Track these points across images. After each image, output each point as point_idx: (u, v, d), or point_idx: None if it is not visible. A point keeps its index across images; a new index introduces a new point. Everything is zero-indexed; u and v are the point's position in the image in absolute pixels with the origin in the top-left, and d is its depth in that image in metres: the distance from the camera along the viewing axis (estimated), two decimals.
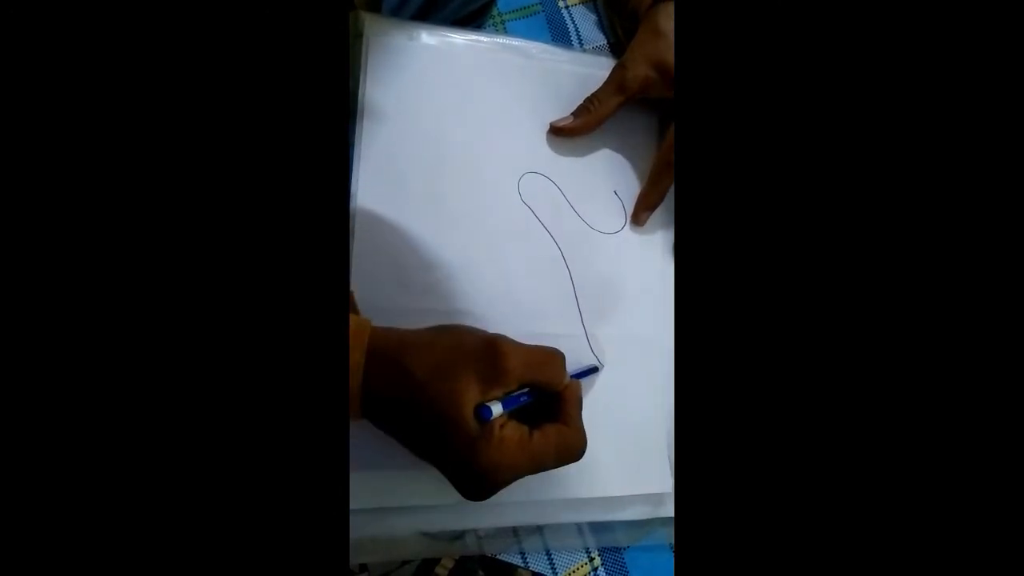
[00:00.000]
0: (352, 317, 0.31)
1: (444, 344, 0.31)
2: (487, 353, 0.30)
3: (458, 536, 0.38)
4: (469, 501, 0.36)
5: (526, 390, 0.32)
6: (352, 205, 0.38)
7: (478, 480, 0.30)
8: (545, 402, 0.33)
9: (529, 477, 0.37)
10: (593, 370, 0.40)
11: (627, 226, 0.43)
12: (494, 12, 0.49)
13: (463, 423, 0.29)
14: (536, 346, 0.32)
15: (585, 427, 0.38)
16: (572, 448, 0.32)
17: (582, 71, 0.44)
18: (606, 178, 0.44)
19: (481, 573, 0.41)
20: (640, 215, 0.43)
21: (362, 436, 0.34)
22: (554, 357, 0.33)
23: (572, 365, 0.39)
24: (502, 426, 0.30)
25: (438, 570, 0.43)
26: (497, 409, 0.29)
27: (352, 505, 0.33)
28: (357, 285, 0.36)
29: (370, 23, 0.41)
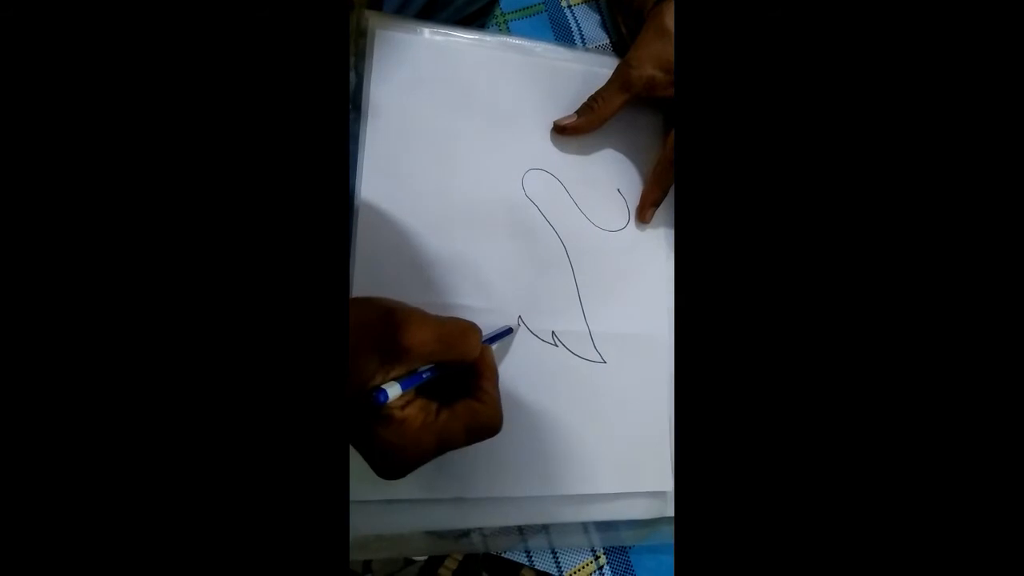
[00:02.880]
0: None
1: (349, 319, 0.29)
2: (388, 329, 0.28)
3: (463, 534, 0.38)
4: (472, 498, 0.36)
5: (431, 366, 0.30)
6: (355, 200, 0.38)
7: (382, 462, 0.28)
8: (459, 373, 0.31)
9: (530, 474, 0.37)
10: (507, 332, 0.38)
11: (630, 224, 0.43)
12: (497, 12, 0.49)
13: (361, 401, 0.27)
14: (448, 319, 0.31)
15: (587, 424, 0.39)
16: (485, 425, 0.30)
17: (586, 69, 0.45)
18: (609, 176, 0.44)
19: (485, 575, 0.41)
20: (645, 212, 0.43)
21: None
22: (466, 332, 0.31)
23: (574, 360, 0.39)
24: (404, 406, 0.28)
25: (441, 571, 0.43)
26: (394, 391, 0.27)
27: (354, 496, 0.33)
28: (358, 279, 0.36)
29: (375, 20, 0.41)
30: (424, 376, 0.30)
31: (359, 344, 0.28)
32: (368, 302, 0.30)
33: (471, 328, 0.31)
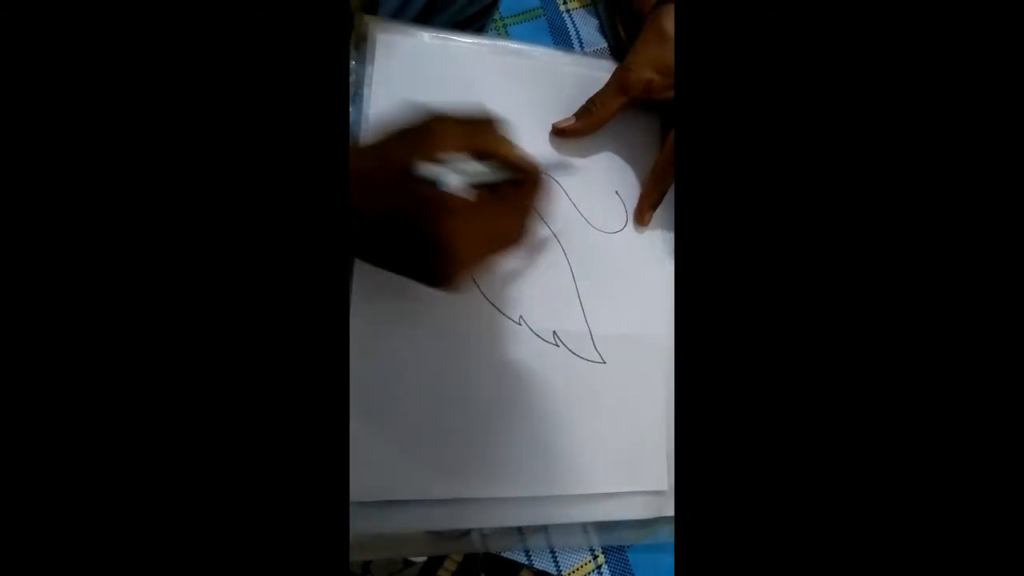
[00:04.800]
0: None
1: (381, 136, 0.30)
2: (419, 123, 0.29)
3: (462, 534, 0.38)
4: (472, 498, 0.36)
5: (485, 168, 0.30)
6: None
7: (430, 248, 0.28)
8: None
9: (528, 473, 0.37)
10: (563, 163, 0.40)
11: (628, 225, 0.44)
12: (496, 16, 0.50)
13: (402, 187, 0.27)
14: (468, 110, 0.31)
15: (586, 424, 0.39)
16: (532, 204, 0.32)
17: (584, 73, 0.45)
18: (608, 178, 0.44)
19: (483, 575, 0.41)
20: (643, 214, 0.43)
21: (364, 425, 0.34)
22: (488, 117, 0.31)
23: (574, 360, 0.40)
24: (448, 195, 0.28)
25: (440, 573, 0.43)
26: (429, 169, 0.27)
27: (354, 497, 0.33)
28: (360, 281, 0.36)
29: (374, 25, 0.41)
30: (480, 173, 0.29)
31: (400, 143, 0.29)
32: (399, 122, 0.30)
33: (490, 116, 0.31)
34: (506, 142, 0.31)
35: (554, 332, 0.40)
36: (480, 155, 0.30)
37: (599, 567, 0.40)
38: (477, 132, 0.30)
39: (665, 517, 0.40)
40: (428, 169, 0.27)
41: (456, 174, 0.28)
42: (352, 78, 0.40)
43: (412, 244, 0.28)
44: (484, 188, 0.29)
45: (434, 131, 0.28)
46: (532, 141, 0.43)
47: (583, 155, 0.44)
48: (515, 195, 0.30)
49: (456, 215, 0.27)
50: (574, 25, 0.50)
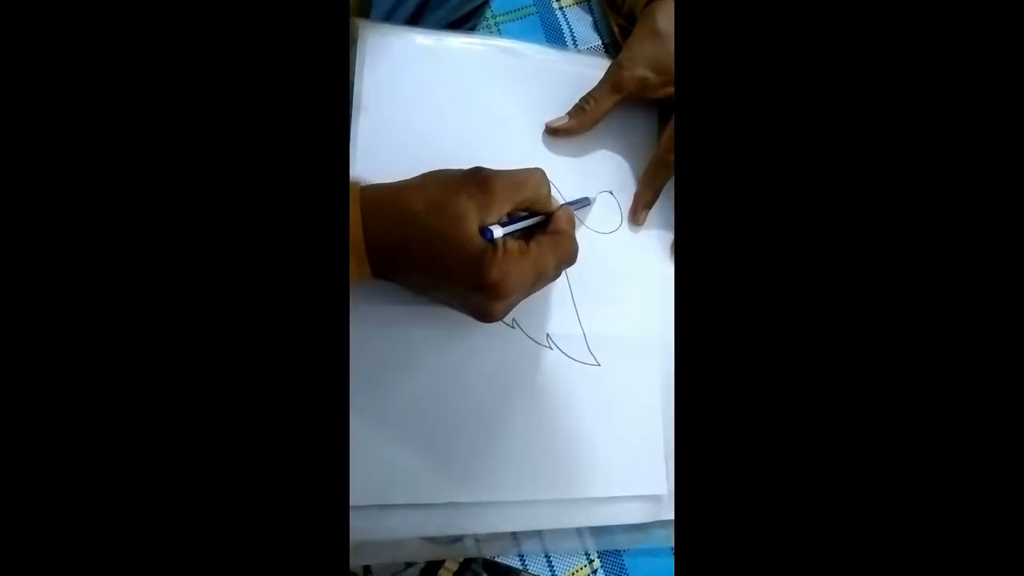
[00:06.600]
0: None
1: (434, 181, 0.33)
2: (475, 182, 0.32)
3: (457, 539, 0.37)
4: (466, 502, 0.36)
5: (523, 214, 0.34)
6: None
7: (490, 290, 0.31)
8: (539, 227, 0.35)
9: (523, 477, 0.37)
10: (584, 201, 0.41)
11: (623, 225, 0.43)
12: (488, 14, 0.49)
13: (469, 241, 0.31)
14: (514, 169, 0.34)
15: (581, 427, 0.39)
16: (567, 251, 0.35)
17: (577, 71, 0.44)
18: (602, 177, 0.44)
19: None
20: (638, 213, 0.43)
21: (358, 428, 0.34)
22: (532, 174, 0.34)
23: (568, 363, 0.39)
24: (504, 243, 0.32)
25: (441, 573, 0.42)
26: (498, 231, 0.31)
27: (352, 501, 0.33)
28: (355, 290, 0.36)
29: (365, 28, 0.41)
30: (517, 221, 0.34)
31: (457, 197, 0.32)
32: (449, 171, 0.34)
33: (534, 171, 0.35)
34: (544, 194, 0.35)
35: (548, 335, 0.39)
36: (523, 208, 0.34)
37: (594, 571, 0.40)
38: (521, 189, 0.33)
39: (661, 521, 0.40)
40: (484, 227, 0.32)
41: (501, 227, 0.32)
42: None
43: (464, 286, 0.32)
44: (522, 233, 0.34)
45: (492, 193, 0.32)
46: (525, 140, 0.43)
47: (577, 154, 0.44)
48: (550, 241, 0.34)
49: (504, 263, 0.31)
50: (567, 22, 0.50)
